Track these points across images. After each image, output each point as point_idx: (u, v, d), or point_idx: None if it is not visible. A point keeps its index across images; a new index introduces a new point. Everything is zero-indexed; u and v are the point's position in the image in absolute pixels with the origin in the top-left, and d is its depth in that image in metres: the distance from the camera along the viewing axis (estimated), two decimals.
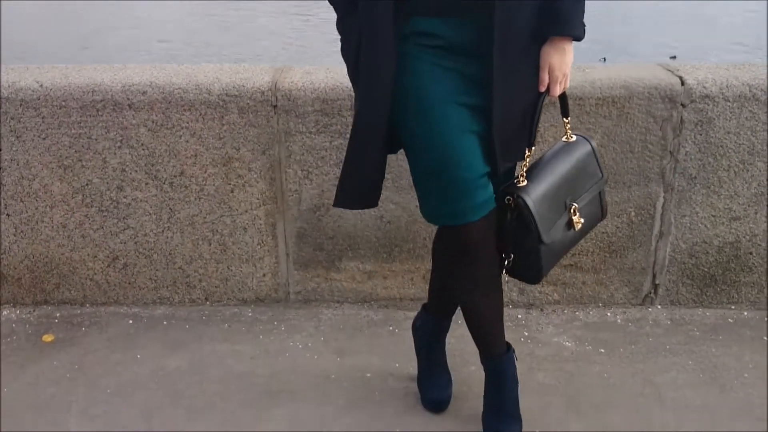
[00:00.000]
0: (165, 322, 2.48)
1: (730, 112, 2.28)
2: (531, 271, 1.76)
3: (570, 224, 1.77)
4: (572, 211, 1.76)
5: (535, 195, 1.68)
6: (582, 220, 1.78)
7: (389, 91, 1.64)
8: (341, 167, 1.76)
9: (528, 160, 1.71)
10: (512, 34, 1.60)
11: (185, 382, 2.18)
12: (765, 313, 2.48)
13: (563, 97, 1.78)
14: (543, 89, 1.68)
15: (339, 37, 1.75)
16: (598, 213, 1.87)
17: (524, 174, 1.70)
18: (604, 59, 8.16)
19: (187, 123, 2.31)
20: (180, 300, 2.57)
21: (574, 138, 1.82)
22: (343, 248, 2.48)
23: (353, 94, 2.24)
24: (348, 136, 2.27)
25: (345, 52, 1.74)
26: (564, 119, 1.82)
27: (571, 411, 2.04)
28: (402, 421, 2.01)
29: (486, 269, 1.79)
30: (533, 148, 1.71)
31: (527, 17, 1.61)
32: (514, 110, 1.67)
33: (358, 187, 1.76)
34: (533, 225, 1.67)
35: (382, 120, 1.67)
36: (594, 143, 1.84)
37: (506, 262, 1.75)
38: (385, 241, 2.47)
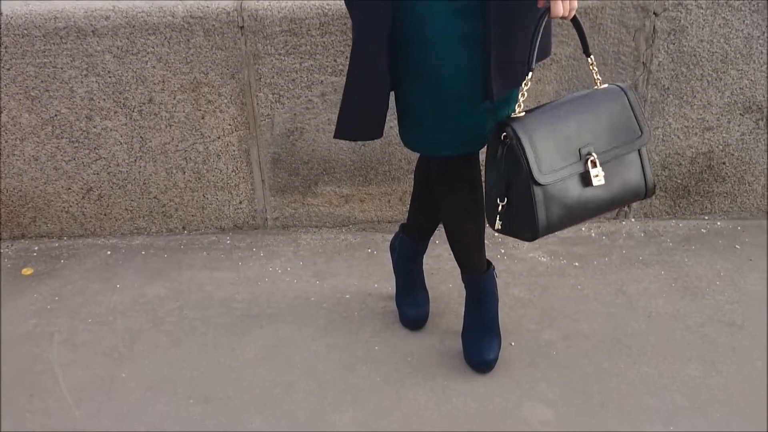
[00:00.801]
0: (143, 252, 2.49)
1: (703, 20, 2.25)
2: (525, 222, 1.53)
3: (586, 179, 1.53)
4: (588, 162, 1.52)
5: (530, 126, 1.49)
6: (602, 177, 1.53)
7: (389, 18, 1.52)
8: (342, 96, 1.63)
9: (526, 88, 1.51)
10: None
11: (166, 309, 2.21)
12: (738, 222, 2.52)
13: (578, 27, 1.55)
14: (541, 5, 1.49)
15: None
16: (639, 182, 1.60)
17: (521, 105, 1.52)
18: None
19: (153, 48, 2.26)
20: (157, 230, 2.57)
21: (606, 86, 1.62)
22: (318, 173, 2.47)
23: (323, 12, 2.22)
24: (318, 56, 2.27)
25: None
26: (588, 59, 1.58)
27: (545, 322, 2.08)
28: (381, 339, 2.05)
29: (469, 193, 1.79)
30: (531, 74, 1.50)
31: None
32: (511, 39, 1.54)
33: (359, 116, 1.64)
34: (523, 159, 1.48)
35: (383, 46, 1.54)
36: (632, 94, 1.59)
37: (499, 208, 1.55)
38: (361, 164, 2.46)
